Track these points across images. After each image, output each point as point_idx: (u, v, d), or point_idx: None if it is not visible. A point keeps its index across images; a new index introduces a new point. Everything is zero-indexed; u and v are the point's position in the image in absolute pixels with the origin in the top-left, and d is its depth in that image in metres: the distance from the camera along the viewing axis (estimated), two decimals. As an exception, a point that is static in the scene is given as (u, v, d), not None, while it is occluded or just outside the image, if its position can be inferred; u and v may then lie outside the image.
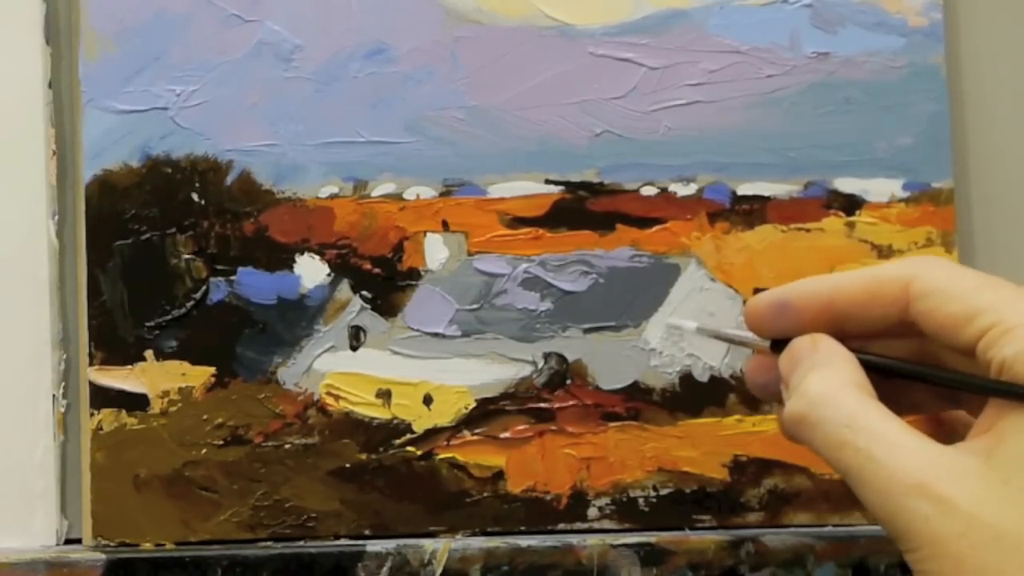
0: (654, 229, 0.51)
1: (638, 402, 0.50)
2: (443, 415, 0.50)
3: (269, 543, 0.49)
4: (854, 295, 0.36)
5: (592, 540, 0.49)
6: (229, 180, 0.50)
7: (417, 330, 0.50)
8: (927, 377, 0.37)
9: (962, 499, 0.32)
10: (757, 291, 0.51)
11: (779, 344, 0.38)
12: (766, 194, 0.51)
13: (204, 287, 0.50)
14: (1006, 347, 0.33)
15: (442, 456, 0.50)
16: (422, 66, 0.51)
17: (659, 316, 0.51)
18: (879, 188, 0.51)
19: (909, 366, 0.37)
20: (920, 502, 0.32)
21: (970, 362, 0.34)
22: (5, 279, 0.50)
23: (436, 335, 0.50)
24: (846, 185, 0.51)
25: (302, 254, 0.50)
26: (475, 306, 0.50)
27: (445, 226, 0.50)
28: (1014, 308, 0.33)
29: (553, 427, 0.50)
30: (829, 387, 0.35)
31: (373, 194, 0.50)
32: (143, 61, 0.50)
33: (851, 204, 0.51)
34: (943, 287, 0.35)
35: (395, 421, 0.50)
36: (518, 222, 0.51)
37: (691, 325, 0.42)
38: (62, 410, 0.50)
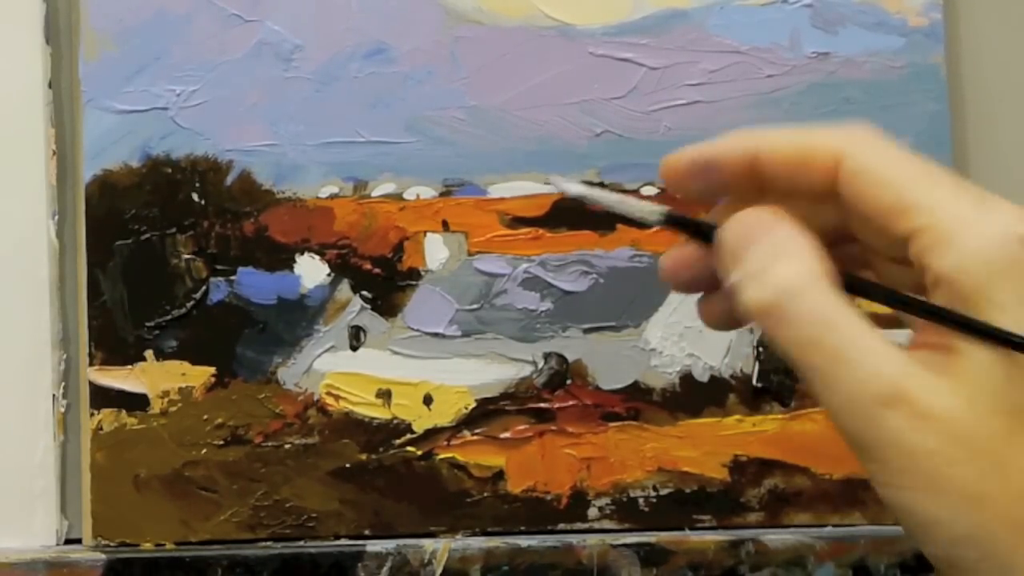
0: (654, 229, 0.51)
1: (638, 402, 0.50)
2: (443, 415, 0.50)
3: (269, 543, 0.49)
4: (782, 160, 0.34)
5: (592, 540, 0.49)
6: (229, 180, 0.50)
7: (417, 330, 0.50)
8: (891, 300, 0.35)
9: (936, 414, 0.30)
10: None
11: (681, 222, 0.35)
12: (766, 194, 0.51)
13: (204, 287, 0.50)
14: (943, 258, 0.31)
15: (442, 456, 0.50)
16: (422, 66, 0.51)
17: (659, 316, 0.51)
18: (879, 188, 0.51)
19: (872, 283, 0.36)
20: (893, 414, 0.31)
21: (896, 253, 0.33)
22: (5, 279, 0.50)
23: (436, 335, 0.50)
24: (846, 185, 0.51)
25: (302, 254, 0.50)
26: (475, 306, 0.50)
27: (445, 226, 0.50)
28: (952, 211, 0.31)
29: (553, 427, 0.50)
30: (800, 279, 0.32)
31: (373, 194, 0.50)
32: (143, 61, 0.50)
33: (851, 204, 0.51)
34: (875, 172, 0.33)
35: (395, 421, 0.50)
36: (518, 222, 0.51)
37: (575, 188, 0.38)
38: (62, 410, 0.50)
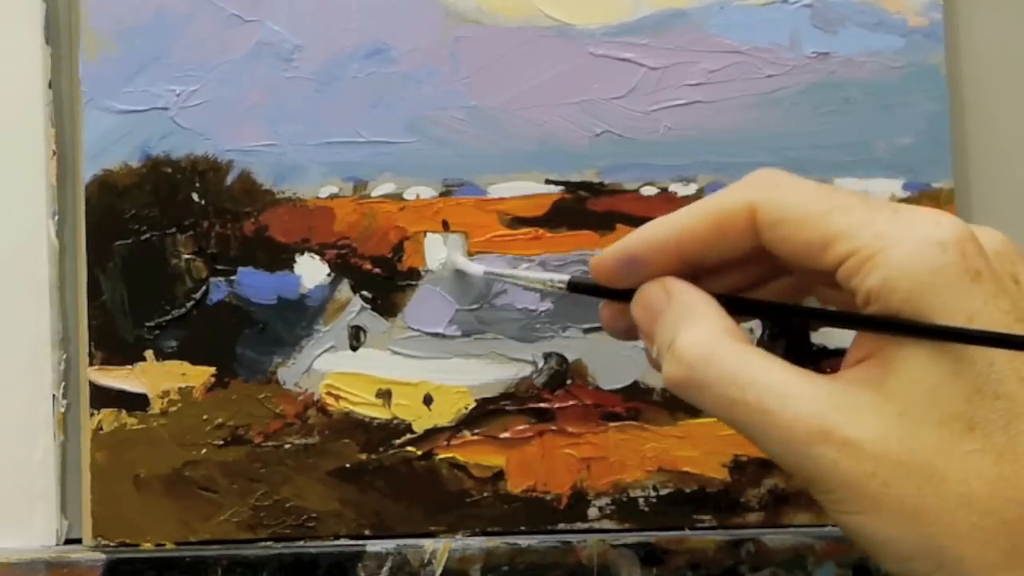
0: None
1: (638, 402, 0.50)
2: (443, 415, 0.50)
3: (269, 543, 0.49)
4: (700, 234, 0.35)
5: (592, 540, 0.49)
6: (229, 180, 0.50)
7: (417, 330, 0.50)
8: (795, 313, 0.36)
9: (866, 439, 0.31)
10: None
11: (585, 289, 0.37)
12: (766, 194, 0.51)
13: (204, 287, 0.50)
14: (869, 277, 0.32)
15: (442, 456, 0.50)
16: (422, 66, 0.51)
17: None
18: (879, 188, 0.51)
19: (772, 303, 0.36)
20: (824, 449, 0.31)
21: (831, 280, 0.33)
22: (5, 279, 0.50)
23: (436, 335, 0.50)
24: (846, 185, 0.51)
25: (302, 254, 0.50)
26: (475, 306, 0.50)
27: (445, 226, 0.50)
28: (870, 231, 0.32)
29: (553, 427, 0.50)
30: (703, 346, 0.33)
31: (373, 194, 0.50)
32: (143, 61, 0.50)
33: (851, 204, 0.51)
34: (790, 214, 0.33)
35: (395, 421, 0.50)
36: (518, 222, 0.51)
37: (478, 268, 0.40)
38: (62, 410, 0.50)
